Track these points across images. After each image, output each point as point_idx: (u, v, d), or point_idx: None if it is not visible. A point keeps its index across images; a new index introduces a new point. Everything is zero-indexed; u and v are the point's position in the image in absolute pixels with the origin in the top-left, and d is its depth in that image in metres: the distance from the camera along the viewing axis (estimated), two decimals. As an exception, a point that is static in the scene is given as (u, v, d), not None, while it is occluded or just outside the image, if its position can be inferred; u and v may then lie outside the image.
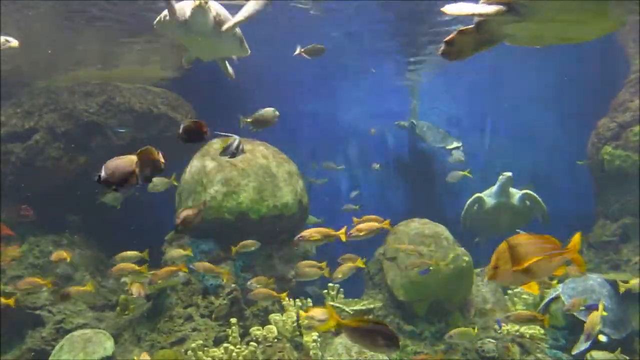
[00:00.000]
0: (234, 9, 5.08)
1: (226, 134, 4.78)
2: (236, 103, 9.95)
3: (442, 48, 2.87)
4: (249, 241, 6.28)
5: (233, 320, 6.19)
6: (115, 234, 7.49)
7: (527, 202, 9.39)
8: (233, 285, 6.64)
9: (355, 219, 5.75)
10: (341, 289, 7.12)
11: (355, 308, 6.86)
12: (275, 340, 6.12)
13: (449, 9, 2.67)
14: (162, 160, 3.19)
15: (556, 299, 6.58)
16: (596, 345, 5.62)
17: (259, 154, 7.49)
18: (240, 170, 7.17)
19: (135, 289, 6.08)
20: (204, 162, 7.35)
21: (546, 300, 6.68)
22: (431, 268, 6.48)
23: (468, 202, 9.64)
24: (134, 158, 3.10)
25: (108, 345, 6.34)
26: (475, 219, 9.65)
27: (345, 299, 7.16)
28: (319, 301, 6.96)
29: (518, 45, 2.94)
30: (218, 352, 5.79)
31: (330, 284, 6.95)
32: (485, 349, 6.30)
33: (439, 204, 11.41)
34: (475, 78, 11.48)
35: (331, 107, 12.54)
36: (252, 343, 5.97)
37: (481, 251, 8.19)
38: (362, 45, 10.36)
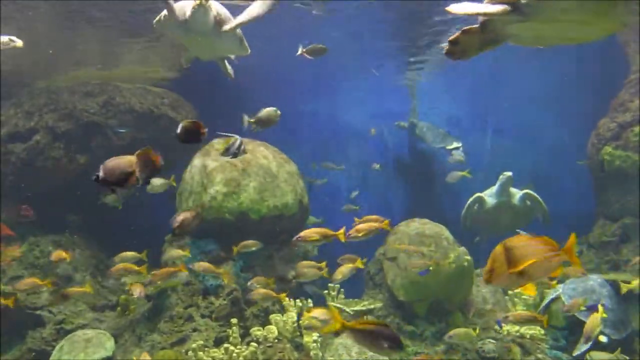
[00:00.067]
0: (233, 9, 5.09)
1: (228, 134, 4.79)
2: (236, 103, 9.96)
3: (446, 47, 2.88)
4: (251, 241, 6.28)
5: (233, 320, 6.20)
6: (115, 234, 7.50)
7: (528, 202, 9.40)
8: (233, 285, 6.64)
9: (356, 219, 5.75)
10: (341, 289, 7.13)
11: (355, 308, 6.86)
12: (276, 340, 6.13)
13: (454, 8, 2.67)
14: (160, 161, 3.19)
15: (556, 299, 6.59)
16: (596, 345, 5.62)
17: (260, 154, 7.49)
18: (241, 170, 7.17)
19: (136, 290, 6.09)
20: (205, 162, 7.35)
21: (547, 300, 6.68)
22: (431, 268, 6.48)
23: (468, 201, 9.64)
24: (132, 159, 3.10)
25: (108, 346, 6.34)
26: (475, 219, 9.65)
27: (345, 299, 7.16)
28: (319, 301, 6.96)
29: (522, 45, 2.94)
30: (218, 352, 5.80)
31: (330, 284, 6.95)
32: (486, 349, 6.30)
33: (439, 204, 11.41)
34: (475, 78, 11.49)
35: (331, 107, 12.54)
36: (252, 343, 5.97)
37: (481, 251, 8.20)
38: (363, 45, 10.35)
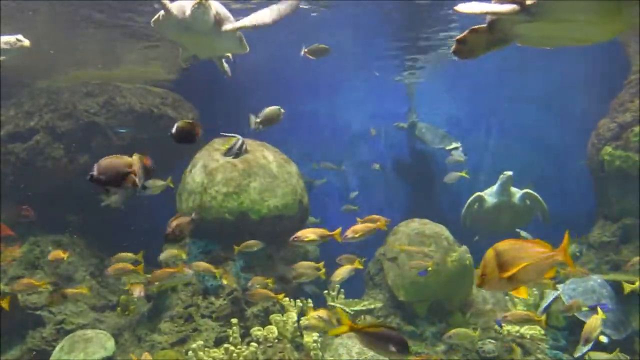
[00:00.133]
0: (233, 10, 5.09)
1: (230, 134, 4.80)
2: (236, 103, 9.97)
3: (453, 46, 2.88)
4: (252, 241, 6.28)
5: (234, 320, 6.20)
6: (115, 234, 7.50)
7: (528, 201, 9.40)
8: (233, 285, 6.64)
9: (358, 219, 5.74)
10: (342, 289, 7.13)
11: (356, 308, 6.86)
12: (276, 340, 6.13)
13: (462, 8, 2.67)
14: (151, 165, 3.19)
15: (557, 299, 6.59)
16: (597, 346, 5.62)
17: (260, 154, 7.49)
18: (241, 170, 7.17)
19: (135, 290, 6.09)
20: (205, 162, 7.35)
21: (547, 301, 6.69)
22: (430, 269, 6.48)
23: (468, 200, 9.64)
24: (128, 159, 3.09)
25: (108, 346, 6.35)
26: (475, 218, 9.65)
27: (345, 299, 7.16)
28: (319, 301, 6.96)
29: (529, 45, 2.94)
30: (219, 352, 5.80)
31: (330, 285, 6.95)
32: (486, 349, 6.30)
33: (438, 204, 11.41)
34: (475, 78, 11.48)
35: (331, 107, 12.54)
36: (252, 343, 5.98)
37: (481, 250, 8.18)
38: (362, 46, 10.36)
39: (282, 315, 6.39)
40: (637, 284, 6.00)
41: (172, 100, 9.02)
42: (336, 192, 11.64)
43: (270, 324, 6.32)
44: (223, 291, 6.60)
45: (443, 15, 8.56)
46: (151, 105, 8.64)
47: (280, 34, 8.06)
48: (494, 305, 7.07)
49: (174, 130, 3.49)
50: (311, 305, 6.68)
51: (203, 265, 6.08)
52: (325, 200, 11.06)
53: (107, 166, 3.03)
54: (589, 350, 5.56)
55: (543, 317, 5.30)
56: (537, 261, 2.60)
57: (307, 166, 10.24)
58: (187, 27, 4.46)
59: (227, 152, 4.72)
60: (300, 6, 4.28)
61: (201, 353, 5.79)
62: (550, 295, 6.72)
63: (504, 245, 2.67)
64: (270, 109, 4.91)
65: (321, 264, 5.82)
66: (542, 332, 6.41)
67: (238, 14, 4.74)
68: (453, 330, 5.72)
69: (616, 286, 6.61)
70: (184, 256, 6.49)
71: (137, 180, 3.06)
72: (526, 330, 6.45)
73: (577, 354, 5.75)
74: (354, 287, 7.41)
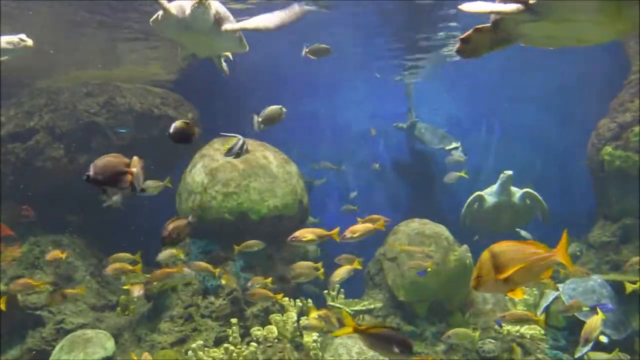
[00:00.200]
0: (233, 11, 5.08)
1: (231, 134, 4.80)
2: (236, 103, 9.97)
3: (457, 45, 2.87)
4: (253, 241, 6.26)
5: (233, 320, 6.20)
6: (115, 234, 7.49)
7: (528, 201, 9.40)
8: (233, 285, 6.64)
9: (359, 219, 5.73)
10: (341, 289, 7.12)
11: (355, 308, 6.86)
12: (276, 340, 6.13)
13: (467, 7, 2.66)
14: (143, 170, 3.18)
15: (557, 299, 6.59)
16: (597, 346, 5.62)
17: (260, 154, 7.49)
18: (241, 170, 7.17)
19: (134, 290, 6.09)
20: (205, 163, 7.35)
21: (546, 300, 6.68)
22: (429, 269, 6.47)
23: (468, 200, 9.64)
24: (125, 159, 3.07)
25: (108, 346, 6.34)
26: (475, 218, 9.65)
27: (345, 299, 7.16)
28: (319, 301, 6.96)
29: (533, 45, 2.93)
30: (218, 352, 5.80)
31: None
32: (486, 349, 6.30)
33: (438, 205, 11.41)
34: (475, 78, 11.48)
35: (331, 107, 12.54)
36: (252, 343, 5.97)
37: (481, 250, 8.17)
38: (362, 46, 10.36)
39: (282, 315, 6.39)
40: (639, 284, 6.00)
41: (172, 100, 9.02)
42: (336, 192, 11.64)
43: (270, 323, 6.32)
44: (223, 291, 6.60)
45: (443, 15, 8.56)
46: (151, 105, 8.64)
47: (280, 33, 8.05)
48: (494, 305, 7.07)
49: (171, 130, 3.49)
50: (311, 305, 6.68)
51: (201, 264, 6.06)
52: (325, 201, 11.06)
53: (103, 166, 3.00)
54: (589, 351, 5.56)
55: (541, 317, 5.30)
56: (532, 262, 2.58)
57: (307, 166, 10.24)
58: (186, 27, 4.45)
59: (228, 152, 4.72)
60: (305, 9, 4.25)
61: (201, 353, 5.79)
62: (550, 295, 6.72)
63: (499, 247, 2.65)
64: (272, 108, 4.91)
65: (319, 264, 5.81)
66: (542, 332, 6.41)
67: (237, 15, 4.74)
68: (452, 330, 5.72)
69: (616, 286, 6.62)
70: (181, 256, 6.48)
71: (136, 183, 3.05)
72: (526, 330, 6.45)
73: (578, 355, 5.75)
74: (354, 287, 7.41)
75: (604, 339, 5.89)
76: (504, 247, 2.64)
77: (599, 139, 8.30)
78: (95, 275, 7.98)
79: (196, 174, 7.33)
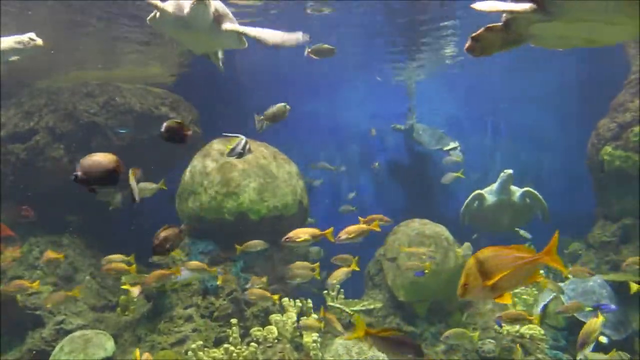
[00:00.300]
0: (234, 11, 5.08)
1: (233, 134, 4.80)
2: (236, 104, 9.97)
3: (467, 43, 2.84)
4: (256, 241, 6.21)
5: (233, 320, 6.20)
6: (115, 234, 7.50)
7: (528, 200, 9.39)
8: (233, 286, 6.64)
9: (361, 218, 5.72)
10: (341, 290, 7.12)
11: (355, 309, 6.86)
12: (276, 340, 6.13)
13: (479, 5, 2.64)
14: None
15: (555, 299, 6.59)
16: (597, 346, 5.62)
17: (260, 154, 7.49)
18: (241, 170, 7.17)
19: (133, 290, 6.08)
20: (205, 163, 7.35)
21: (545, 301, 6.68)
22: (426, 272, 6.47)
23: (468, 198, 9.63)
24: (112, 156, 3.01)
25: (108, 346, 6.34)
26: (475, 216, 9.64)
27: (345, 300, 7.16)
28: (319, 301, 6.96)
29: (543, 46, 2.91)
30: (218, 352, 5.80)
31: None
32: (485, 349, 6.30)
33: (438, 205, 11.41)
34: (475, 78, 11.48)
35: (331, 107, 12.54)
36: (252, 344, 5.98)
37: (480, 248, 8.16)
38: (363, 46, 10.36)
39: (282, 315, 6.39)
40: None
41: (172, 100, 9.01)
42: (334, 192, 11.63)
43: (270, 324, 6.32)
44: (223, 291, 6.60)
45: (444, 15, 8.56)
46: (151, 105, 8.63)
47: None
48: (493, 305, 7.07)
49: (162, 129, 3.50)
50: (311, 305, 6.68)
51: (196, 264, 6.03)
52: (324, 201, 11.05)
53: (91, 165, 2.92)
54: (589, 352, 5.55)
55: (536, 317, 5.29)
56: (519, 267, 2.56)
57: (307, 166, 10.24)
58: (185, 25, 4.43)
59: (231, 152, 4.72)
60: (305, 40, 4.27)
61: (201, 353, 5.79)
62: (547, 295, 6.71)
63: (484, 253, 2.63)
64: (275, 106, 4.92)
65: (316, 265, 5.81)
66: (542, 332, 6.40)
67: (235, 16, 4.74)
68: (450, 331, 5.72)
69: (616, 286, 6.61)
70: (179, 256, 6.48)
71: (134, 193, 3.03)
72: (526, 330, 6.45)
73: (579, 356, 5.74)
74: (354, 287, 7.41)
75: (603, 339, 5.89)
76: (489, 253, 2.61)
77: (598, 139, 8.30)
78: (95, 275, 7.98)
79: (196, 174, 7.33)
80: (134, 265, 5.85)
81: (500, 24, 2.81)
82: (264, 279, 6.13)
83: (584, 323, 5.15)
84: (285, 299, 6.53)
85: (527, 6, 2.56)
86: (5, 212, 7.64)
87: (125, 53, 9.16)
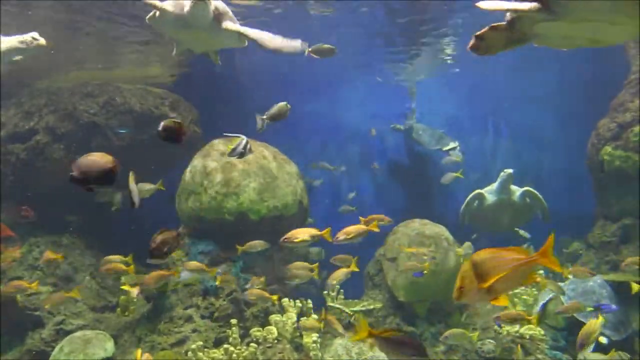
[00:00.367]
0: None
1: (234, 134, 4.80)
2: (236, 104, 9.96)
3: (471, 42, 2.84)
4: (257, 241, 6.21)
5: (233, 321, 6.20)
6: (115, 234, 7.49)
7: (528, 200, 9.39)
8: (232, 286, 6.64)
9: (361, 218, 5.71)
10: (341, 290, 7.12)
11: (355, 309, 6.86)
12: (276, 341, 6.13)
13: (484, 4, 2.63)
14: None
15: (554, 299, 6.58)
16: (597, 347, 5.62)
17: (260, 154, 7.48)
18: (241, 170, 7.17)
19: (132, 290, 6.08)
20: (205, 163, 7.35)
21: (544, 301, 6.68)
22: (425, 272, 6.47)
23: (468, 198, 9.63)
24: (108, 155, 3.00)
25: (108, 347, 6.34)
26: (475, 216, 9.64)
27: (345, 300, 7.16)
28: (318, 302, 6.96)
29: (547, 45, 2.90)
30: (218, 353, 5.80)
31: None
32: (485, 350, 6.30)
33: (438, 205, 11.41)
34: (476, 78, 11.48)
35: (331, 107, 12.55)
36: (252, 344, 5.98)
37: (480, 248, 8.16)
38: (363, 46, 10.36)
39: (282, 315, 6.39)
40: None
41: (172, 100, 9.01)
42: (334, 192, 11.63)
43: (270, 324, 6.32)
44: (223, 292, 6.60)
45: (444, 16, 8.56)
46: (151, 105, 8.63)
47: (281, 34, 8.05)
48: (493, 305, 7.06)
49: (159, 128, 3.50)
50: (311, 305, 6.68)
51: (195, 264, 6.03)
52: (324, 201, 11.05)
53: (87, 165, 2.92)
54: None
55: (535, 317, 5.29)
56: (514, 269, 2.55)
57: (307, 166, 10.24)
58: (185, 24, 4.43)
59: (232, 152, 4.73)
60: (304, 50, 4.28)
61: (201, 354, 5.79)
62: (546, 295, 6.71)
63: (480, 255, 2.62)
64: (277, 105, 4.93)
65: (315, 265, 5.81)
66: (542, 332, 6.40)
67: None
68: (449, 331, 5.72)
69: (616, 286, 6.61)
70: (178, 256, 6.48)
71: (133, 198, 3.02)
72: (526, 330, 6.45)
73: (580, 357, 5.74)
74: (354, 287, 7.40)
75: (603, 340, 5.89)
76: (484, 256, 2.60)
77: (598, 139, 8.29)
78: (95, 276, 7.97)
79: (196, 174, 7.33)
80: (132, 266, 5.85)
81: (504, 23, 2.81)
82: (262, 279, 6.13)
83: (584, 323, 5.15)
84: (285, 300, 6.53)
85: (531, 5, 2.55)
86: (5, 212, 7.64)
87: (125, 53, 9.16)
